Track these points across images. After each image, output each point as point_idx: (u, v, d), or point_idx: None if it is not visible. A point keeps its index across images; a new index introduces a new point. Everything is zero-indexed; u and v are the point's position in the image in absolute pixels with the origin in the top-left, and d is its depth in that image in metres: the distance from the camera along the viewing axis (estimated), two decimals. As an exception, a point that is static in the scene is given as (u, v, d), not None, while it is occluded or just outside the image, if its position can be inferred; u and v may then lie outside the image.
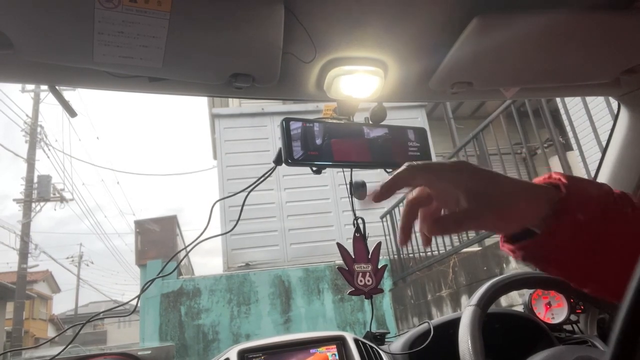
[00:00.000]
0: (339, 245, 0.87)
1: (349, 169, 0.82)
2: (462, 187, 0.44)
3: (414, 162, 0.46)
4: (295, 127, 0.69)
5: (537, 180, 0.47)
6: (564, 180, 0.44)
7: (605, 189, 0.45)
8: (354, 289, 0.86)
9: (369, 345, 0.99)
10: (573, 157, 4.13)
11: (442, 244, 4.06)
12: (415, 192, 0.49)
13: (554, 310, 1.09)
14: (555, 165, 3.02)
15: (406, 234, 0.48)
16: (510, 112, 3.02)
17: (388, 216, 4.93)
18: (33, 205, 11.91)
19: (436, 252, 4.04)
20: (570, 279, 0.46)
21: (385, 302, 5.07)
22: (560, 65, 0.78)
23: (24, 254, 11.00)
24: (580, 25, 0.67)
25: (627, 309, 0.23)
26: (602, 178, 1.02)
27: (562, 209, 0.43)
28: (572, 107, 3.83)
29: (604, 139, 1.54)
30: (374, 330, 1.06)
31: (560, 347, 0.91)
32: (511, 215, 0.44)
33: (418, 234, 0.51)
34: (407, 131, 0.77)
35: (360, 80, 0.76)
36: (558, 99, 3.73)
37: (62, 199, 13.47)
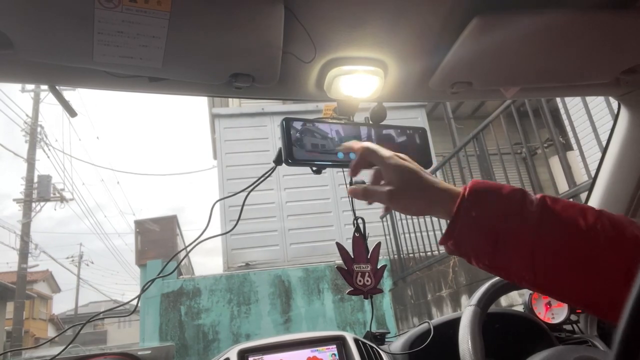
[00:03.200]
0: (339, 245, 0.86)
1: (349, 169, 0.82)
2: (389, 175, 0.59)
3: (371, 145, 0.62)
4: (295, 127, 0.69)
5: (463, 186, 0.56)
6: (470, 186, 0.54)
7: (512, 198, 0.52)
8: (353, 288, 0.86)
9: (369, 345, 0.99)
10: (573, 157, 4.13)
11: (442, 244, 4.06)
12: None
13: (554, 310, 1.09)
14: (555, 165, 3.02)
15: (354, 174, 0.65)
16: (510, 112, 3.01)
17: (388, 216, 4.94)
18: (33, 205, 11.91)
19: (436, 252, 4.04)
20: (483, 268, 0.54)
21: (385, 302, 5.07)
22: (560, 65, 0.78)
23: (24, 254, 11.00)
24: (580, 25, 0.67)
25: (630, 309, 0.23)
26: (602, 178, 1.02)
27: (457, 210, 0.53)
28: (572, 107, 3.83)
29: (604, 139, 1.55)
30: (374, 330, 1.06)
31: (560, 347, 0.91)
32: (414, 208, 0.58)
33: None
34: (407, 131, 0.77)
35: (360, 80, 0.76)
36: (558, 99, 3.73)
37: (62, 199, 13.47)
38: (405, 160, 0.60)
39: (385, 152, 0.60)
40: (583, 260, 0.48)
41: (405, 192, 0.58)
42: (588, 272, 0.48)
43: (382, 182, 0.61)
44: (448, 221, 0.55)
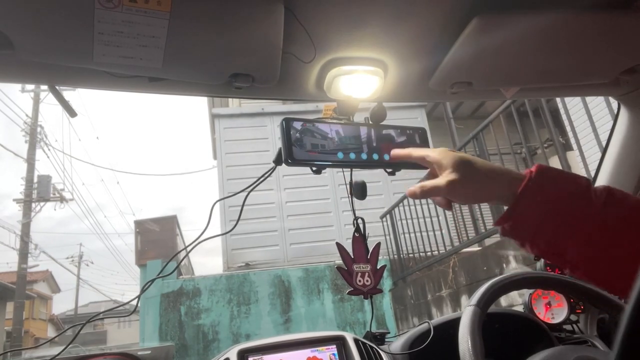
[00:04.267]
0: (339, 245, 0.86)
1: (349, 169, 0.82)
2: (446, 167, 0.58)
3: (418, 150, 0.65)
4: (295, 127, 0.69)
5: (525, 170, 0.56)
6: (536, 168, 0.54)
7: (578, 182, 0.53)
8: (353, 288, 0.86)
9: (369, 345, 0.99)
10: (573, 157, 4.13)
11: (442, 243, 4.06)
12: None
13: (553, 310, 1.09)
14: (555, 165, 3.02)
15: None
16: (510, 112, 3.02)
17: (388, 216, 4.94)
18: (33, 205, 11.91)
19: (436, 252, 4.04)
20: (537, 252, 0.54)
21: (385, 302, 5.07)
22: (560, 65, 0.78)
23: (24, 254, 11.00)
24: (580, 25, 0.67)
25: (631, 308, 0.23)
26: (602, 178, 1.02)
27: (523, 191, 0.53)
28: (572, 107, 3.83)
29: (604, 139, 1.55)
30: (374, 330, 1.06)
31: (560, 347, 0.91)
32: (476, 195, 0.59)
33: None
34: (407, 131, 0.77)
35: (360, 80, 0.76)
36: (558, 99, 3.73)
37: (62, 199, 13.47)
38: (457, 154, 0.60)
39: (433, 150, 0.63)
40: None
41: (465, 180, 0.57)
42: None
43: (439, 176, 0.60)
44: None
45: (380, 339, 1.06)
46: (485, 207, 3.53)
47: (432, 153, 0.61)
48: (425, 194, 0.60)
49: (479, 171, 0.57)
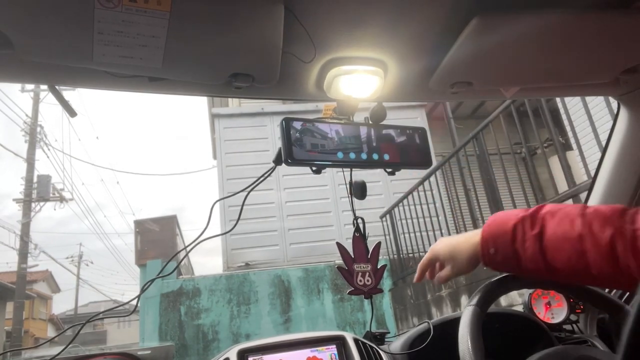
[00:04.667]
0: (339, 245, 0.87)
1: (349, 169, 0.82)
2: (439, 263, 0.87)
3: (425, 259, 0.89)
4: (295, 127, 0.69)
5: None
6: (482, 235, 0.78)
7: (512, 220, 0.74)
8: (353, 288, 0.86)
9: (369, 345, 0.99)
10: (573, 157, 4.13)
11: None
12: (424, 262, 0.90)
13: (553, 310, 1.09)
14: (555, 165, 3.02)
15: (420, 279, 0.90)
16: (510, 112, 3.02)
17: (388, 216, 4.94)
18: (33, 205, 11.91)
19: (436, 252, 4.03)
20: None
21: (385, 302, 5.07)
22: (560, 65, 0.78)
23: (23, 254, 11.00)
24: (580, 25, 0.67)
25: (637, 309, 0.23)
26: (602, 177, 1.02)
27: (482, 256, 0.78)
28: (572, 107, 3.83)
29: (603, 139, 1.55)
30: (373, 330, 1.06)
31: (560, 346, 0.91)
32: (464, 269, 0.83)
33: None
34: (407, 131, 0.77)
35: (360, 80, 0.76)
36: (558, 99, 3.73)
37: (62, 199, 13.47)
38: (440, 243, 0.86)
39: (428, 254, 0.88)
40: (575, 250, 0.69)
41: (454, 265, 0.83)
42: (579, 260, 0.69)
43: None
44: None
45: (380, 338, 1.06)
46: (485, 207, 3.53)
47: (428, 256, 0.87)
48: (444, 281, 0.87)
49: (457, 255, 0.82)
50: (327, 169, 0.72)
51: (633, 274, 0.65)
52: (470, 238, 0.81)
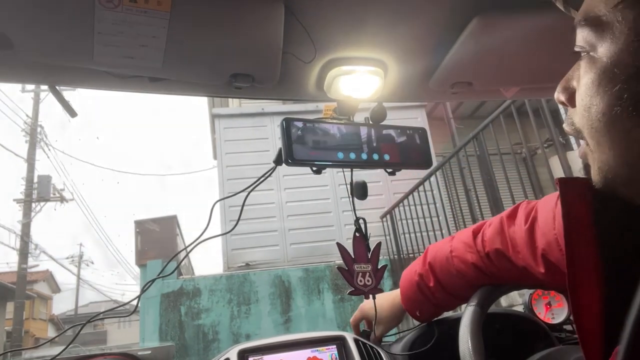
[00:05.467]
0: (339, 245, 0.86)
1: (349, 169, 0.82)
2: (367, 321, 1.04)
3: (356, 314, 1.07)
4: (295, 127, 0.69)
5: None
6: (403, 300, 0.94)
7: (414, 283, 0.91)
8: (353, 289, 0.86)
9: (370, 345, 0.99)
10: (573, 157, 4.12)
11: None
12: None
13: (554, 310, 1.09)
14: (555, 165, 3.02)
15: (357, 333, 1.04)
16: (510, 112, 3.01)
17: (388, 216, 4.94)
18: (33, 205, 11.91)
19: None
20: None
21: (385, 302, 5.06)
22: (560, 65, 0.78)
23: (24, 254, 11.00)
24: (581, 25, 0.67)
25: (635, 313, 0.23)
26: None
27: (412, 316, 0.95)
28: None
29: (604, 139, 1.55)
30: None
31: (561, 347, 0.91)
32: (392, 325, 1.01)
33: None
34: (407, 131, 0.77)
35: (360, 80, 0.76)
36: (558, 99, 3.73)
37: (62, 199, 13.48)
38: (367, 305, 1.00)
39: (358, 313, 1.04)
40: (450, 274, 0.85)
41: (383, 324, 1.00)
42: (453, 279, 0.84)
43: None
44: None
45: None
46: (485, 207, 3.53)
47: (358, 315, 1.04)
48: (378, 339, 1.01)
49: (383, 309, 0.98)
50: (328, 169, 0.72)
51: (512, 283, 0.81)
52: (394, 300, 0.95)
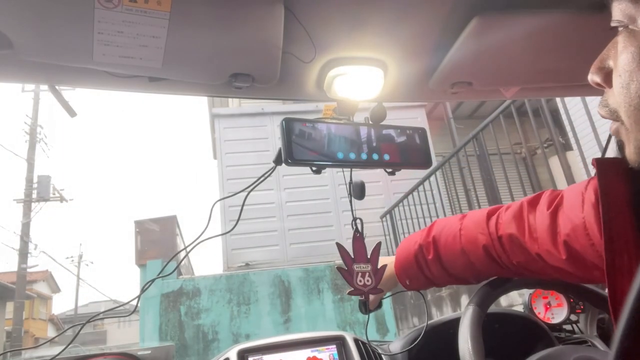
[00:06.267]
0: (339, 245, 0.86)
1: (349, 169, 0.82)
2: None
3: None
4: (295, 127, 0.69)
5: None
6: (396, 266, 0.90)
7: (412, 251, 0.87)
8: (353, 289, 0.86)
9: (369, 345, 0.99)
10: (573, 157, 4.13)
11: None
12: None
13: (553, 310, 1.09)
14: (555, 165, 3.02)
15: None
16: (510, 112, 3.02)
17: (388, 216, 4.94)
18: (33, 205, 11.91)
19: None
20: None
21: (386, 302, 5.05)
22: (560, 65, 0.78)
23: (24, 254, 11.00)
24: (581, 25, 0.67)
25: (629, 310, 0.23)
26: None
27: (400, 283, 0.92)
28: (572, 107, 3.83)
29: (603, 139, 1.55)
30: (374, 329, 1.06)
31: (560, 347, 0.91)
32: (385, 290, 0.93)
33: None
34: (407, 131, 0.77)
35: (360, 80, 0.76)
36: (558, 99, 3.73)
37: (62, 199, 13.47)
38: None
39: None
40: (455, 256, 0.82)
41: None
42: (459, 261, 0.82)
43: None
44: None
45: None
46: (484, 207, 3.53)
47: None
48: (373, 304, 0.95)
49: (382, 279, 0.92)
50: (327, 169, 0.72)
51: (519, 270, 0.76)
52: (388, 266, 0.93)
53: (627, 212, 0.44)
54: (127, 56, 0.61)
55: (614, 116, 0.40)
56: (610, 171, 0.45)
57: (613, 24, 0.38)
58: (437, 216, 4.09)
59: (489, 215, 0.79)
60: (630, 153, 0.39)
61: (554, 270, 0.68)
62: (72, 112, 0.81)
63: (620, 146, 0.40)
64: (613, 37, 0.42)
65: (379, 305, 1.01)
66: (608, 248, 0.43)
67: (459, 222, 0.82)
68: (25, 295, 11.26)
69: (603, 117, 0.42)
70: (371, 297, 0.92)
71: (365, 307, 0.97)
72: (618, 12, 0.37)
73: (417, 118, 6.24)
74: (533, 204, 0.73)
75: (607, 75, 0.41)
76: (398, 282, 0.92)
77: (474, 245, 0.78)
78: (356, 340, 0.99)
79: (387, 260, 0.93)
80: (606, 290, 0.43)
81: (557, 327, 1.07)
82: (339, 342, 1.00)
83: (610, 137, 1.02)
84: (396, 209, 4.74)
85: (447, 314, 3.46)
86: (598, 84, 0.42)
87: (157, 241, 6.52)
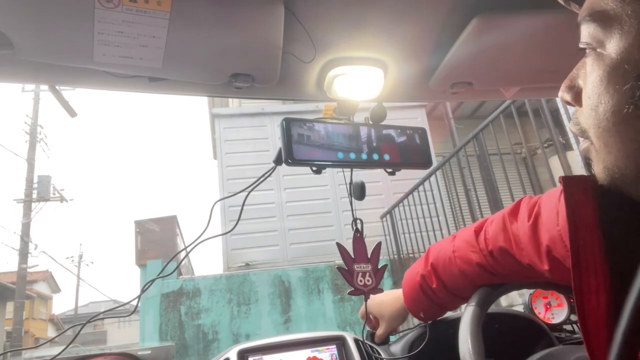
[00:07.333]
0: (339, 245, 0.86)
1: (349, 169, 0.82)
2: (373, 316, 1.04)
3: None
4: (295, 127, 0.69)
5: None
6: (406, 301, 0.94)
7: (417, 284, 0.90)
8: (353, 289, 0.86)
9: (369, 345, 0.99)
10: (573, 157, 4.12)
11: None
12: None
13: (554, 310, 1.09)
14: (555, 165, 3.02)
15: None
16: (510, 112, 3.01)
17: (388, 216, 4.94)
18: (33, 205, 11.91)
19: (436, 252, 4.03)
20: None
21: (385, 302, 5.06)
22: (560, 65, 0.78)
23: (24, 254, 11.00)
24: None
25: (628, 312, 0.23)
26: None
27: (415, 316, 0.95)
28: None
29: (604, 139, 1.55)
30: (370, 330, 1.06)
31: (561, 347, 0.91)
32: (395, 324, 1.01)
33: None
34: (407, 131, 0.77)
35: (360, 81, 0.76)
36: (558, 99, 3.73)
37: (62, 199, 13.47)
38: (373, 301, 0.99)
39: (364, 307, 0.95)
40: (452, 271, 0.84)
41: (385, 322, 1.00)
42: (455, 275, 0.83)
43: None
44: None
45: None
46: (485, 207, 3.53)
47: (364, 309, 0.96)
48: (381, 338, 1.01)
49: (386, 306, 0.99)
50: (327, 169, 0.72)
51: (518, 278, 0.79)
52: (398, 299, 0.95)
53: (594, 231, 0.44)
54: (127, 56, 0.61)
55: (585, 135, 0.40)
56: (578, 189, 0.45)
57: (581, 46, 0.39)
58: (438, 216, 4.10)
59: (477, 232, 0.81)
60: (598, 172, 0.39)
61: (544, 279, 0.70)
62: (72, 112, 0.81)
63: (589, 164, 0.41)
64: None
65: (387, 340, 1.03)
66: (575, 266, 0.44)
67: (452, 244, 0.84)
68: (25, 295, 11.26)
69: (574, 134, 0.43)
70: (378, 332, 0.99)
71: (372, 338, 1.00)
72: (586, 34, 0.37)
73: (417, 118, 6.24)
74: (514, 214, 0.76)
75: (577, 95, 0.42)
76: (407, 316, 0.96)
77: (469, 264, 0.80)
78: (356, 341, 0.99)
79: (394, 295, 0.97)
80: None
81: (558, 327, 1.07)
82: (339, 342, 1.00)
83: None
84: (396, 209, 4.74)
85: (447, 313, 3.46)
86: (568, 103, 0.43)
87: (158, 241, 6.53)
